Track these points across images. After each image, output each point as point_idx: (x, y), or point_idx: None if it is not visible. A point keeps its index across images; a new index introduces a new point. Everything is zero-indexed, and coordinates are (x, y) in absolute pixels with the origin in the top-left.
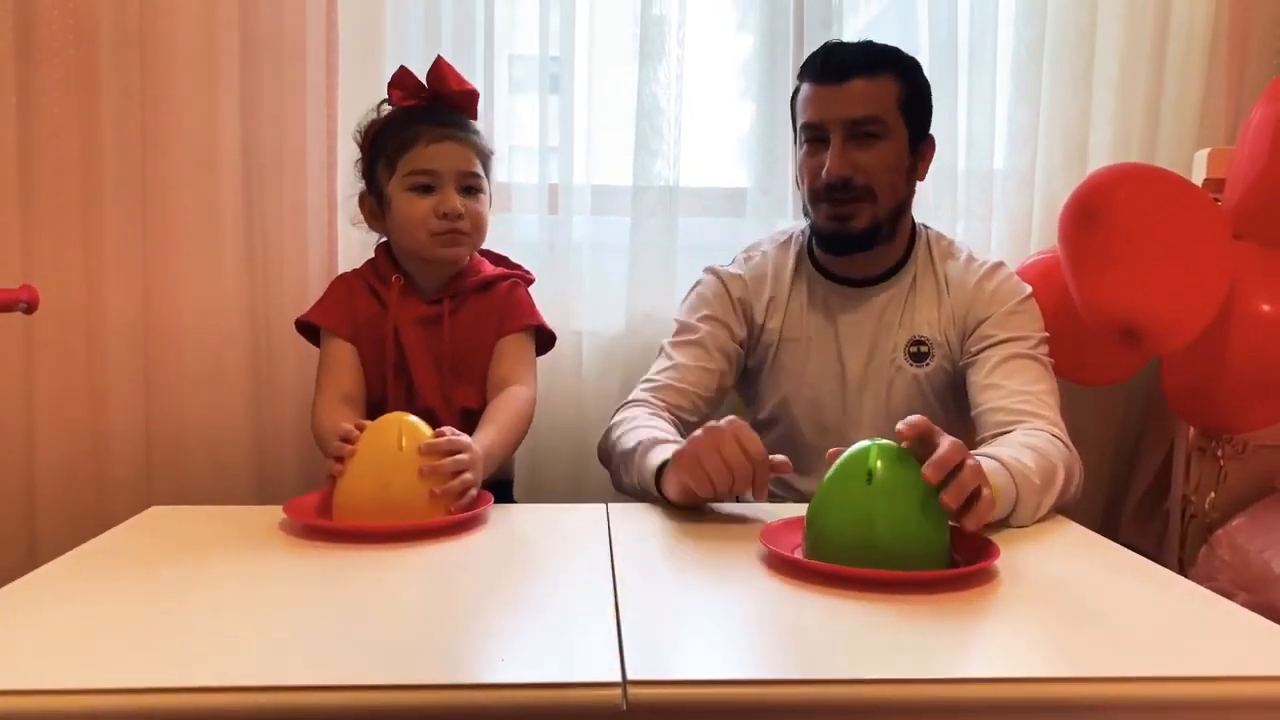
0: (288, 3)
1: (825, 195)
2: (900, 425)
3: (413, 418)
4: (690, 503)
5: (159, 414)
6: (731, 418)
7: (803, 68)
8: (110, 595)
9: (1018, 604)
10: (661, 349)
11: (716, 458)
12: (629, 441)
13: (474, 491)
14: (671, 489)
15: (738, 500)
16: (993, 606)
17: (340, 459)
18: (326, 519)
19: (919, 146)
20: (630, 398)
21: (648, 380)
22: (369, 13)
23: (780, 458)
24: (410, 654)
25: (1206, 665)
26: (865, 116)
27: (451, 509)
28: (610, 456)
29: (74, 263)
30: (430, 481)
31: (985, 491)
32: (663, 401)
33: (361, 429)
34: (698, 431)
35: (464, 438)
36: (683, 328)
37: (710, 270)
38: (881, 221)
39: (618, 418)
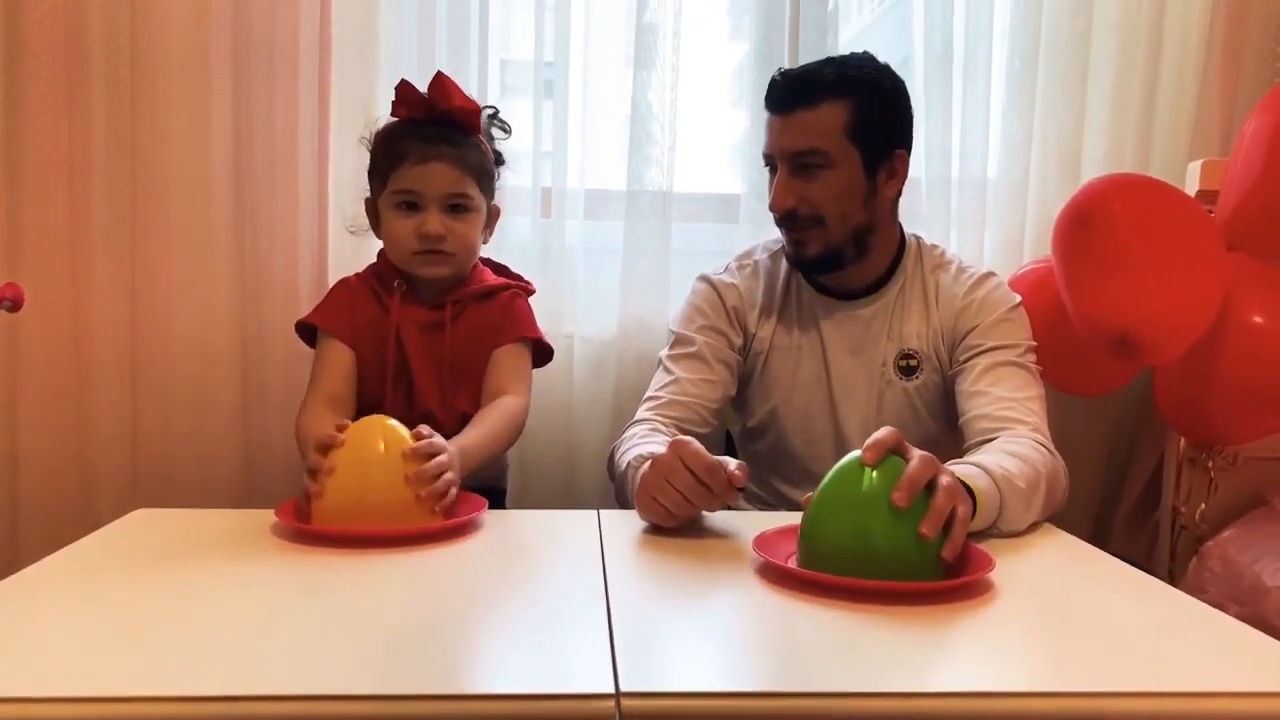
0: (281, 6)
1: (780, 223)
2: (865, 447)
3: (392, 421)
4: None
5: (145, 418)
6: (677, 438)
7: (766, 91)
8: (93, 600)
9: (1013, 616)
10: (660, 363)
11: (670, 490)
12: (622, 464)
13: (454, 491)
14: (638, 511)
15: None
16: (988, 618)
17: (314, 474)
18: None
19: (880, 167)
20: (635, 417)
21: (651, 398)
22: (363, 16)
23: (735, 466)
24: (400, 663)
25: (1202, 680)
26: (805, 149)
27: (435, 510)
28: (614, 477)
29: (61, 264)
30: (414, 485)
31: (960, 511)
32: (668, 419)
33: (342, 429)
34: (645, 466)
35: (440, 439)
36: (679, 340)
37: (704, 279)
38: (838, 246)
39: (619, 438)
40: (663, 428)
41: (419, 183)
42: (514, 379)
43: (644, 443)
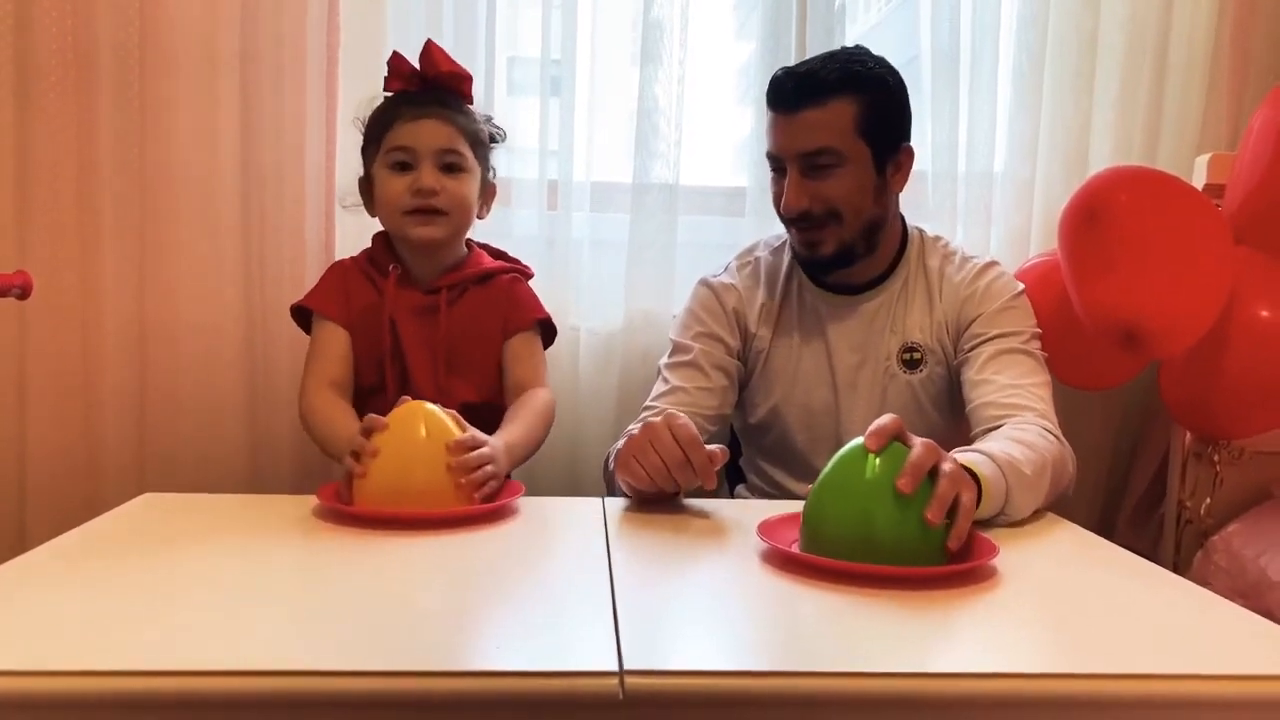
0: (289, 4)
1: (791, 223)
2: (868, 434)
3: (432, 406)
4: (646, 498)
5: (152, 407)
6: (670, 411)
7: (766, 89)
8: (100, 577)
9: (1016, 600)
10: (659, 372)
11: (651, 453)
12: (612, 465)
13: (495, 484)
14: (622, 487)
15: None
16: (991, 602)
17: (358, 456)
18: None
19: (888, 161)
20: (629, 427)
21: (647, 408)
22: (370, 14)
23: (717, 447)
24: (407, 641)
25: (1205, 663)
26: (817, 149)
27: (475, 499)
28: (607, 481)
29: (70, 254)
30: (455, 474)
31: (964, 498)
32: None
33: (381, 425)
34: (634, 427)
35: (482, 434)
36: (677, 348)
37: (703, 282)
38: (851, 243)
39: (614, 445)
40: None
41: (411, 138)
42: (537, 370)
43: None
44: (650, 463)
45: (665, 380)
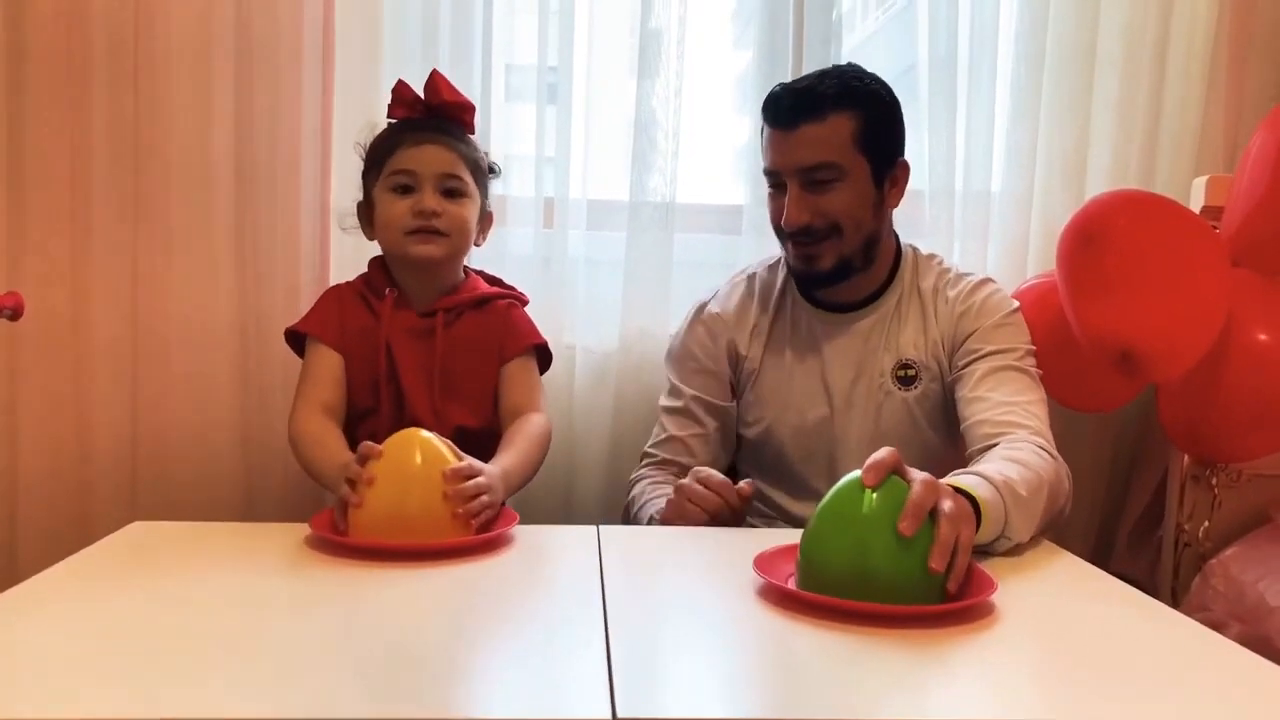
0: (284, 10)
1: (790, 238)
2: (865, 469)
3: (427, 434)
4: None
5: (145, 426)
6: (695, 468)
7: (762, 106)
8: (87, 619)
9: (1015, 641)
10: (659, 415)
11: (692, 508)
12: (644, 517)
13: (490, 513)
14: None
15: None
16: (989, 642)
17: (354, 484)
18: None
19: (885, 176)
20: (637, 473)
21: (647, 454)
22: (367, 20)
23: (746, 482)
24: (393, 685)
25: (1206, 712)
26: (818, 164)
27: (471, 528)
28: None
29: (62, 270)
30: (451, 503)
31: (963, 538)
32: (663, 474)
33: (376, 453)
34: (641, 486)
35: (479, 462)
36: (671, 390)
37: (695, 318)
38: (850, 256)
39: (631, 494)
40: (661, 483)
41: (413, 162)
42: (532, 395)
43: (656, 495)
44: (697, 519)
45: (663, 427)
